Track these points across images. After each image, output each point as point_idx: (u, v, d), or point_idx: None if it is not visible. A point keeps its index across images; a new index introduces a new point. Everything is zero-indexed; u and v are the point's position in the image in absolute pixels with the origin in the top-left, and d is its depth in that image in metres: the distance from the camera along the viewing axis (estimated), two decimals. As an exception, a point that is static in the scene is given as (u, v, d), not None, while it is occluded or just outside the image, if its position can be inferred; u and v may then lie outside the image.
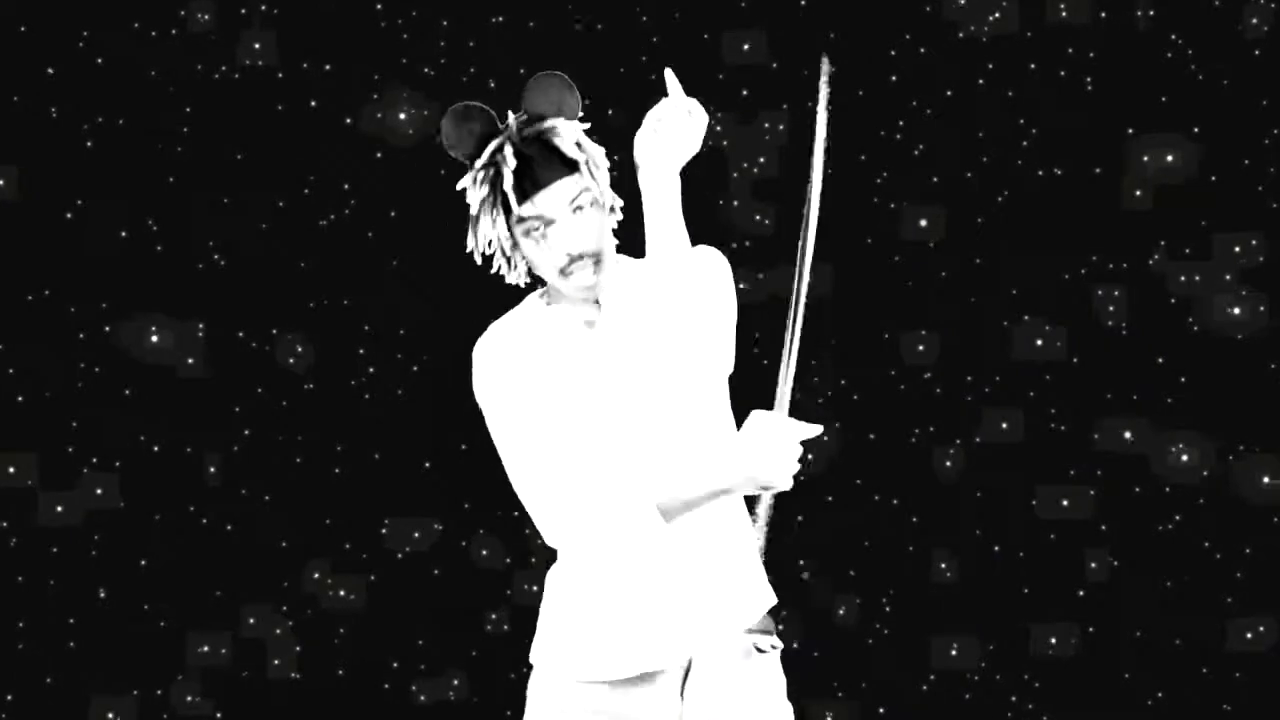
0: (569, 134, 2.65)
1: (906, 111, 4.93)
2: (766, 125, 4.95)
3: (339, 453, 5.00)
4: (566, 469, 2.61)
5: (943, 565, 4.98)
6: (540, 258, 2.65)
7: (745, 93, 4.96)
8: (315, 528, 4.99)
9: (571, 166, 2.64)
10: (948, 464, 4.98)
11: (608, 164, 2.71)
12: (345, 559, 4.98)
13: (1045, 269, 4.98)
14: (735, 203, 4.98)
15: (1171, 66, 4.92)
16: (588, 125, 2.70)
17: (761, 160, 4.95)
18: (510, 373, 2.67)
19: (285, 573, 5.00)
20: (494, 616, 5.02)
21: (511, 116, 2.65)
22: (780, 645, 2.78)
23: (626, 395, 2.65)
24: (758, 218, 4.97)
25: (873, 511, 5.00)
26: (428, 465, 5.01)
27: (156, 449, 4.95)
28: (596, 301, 2.71)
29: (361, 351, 5.01)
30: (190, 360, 4.94)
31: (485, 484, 4.73)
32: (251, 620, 4.98)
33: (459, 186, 2.67)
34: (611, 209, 2.71)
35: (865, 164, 4.97)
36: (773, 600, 2.76)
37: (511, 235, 2.65)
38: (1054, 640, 4.94)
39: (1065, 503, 4.94)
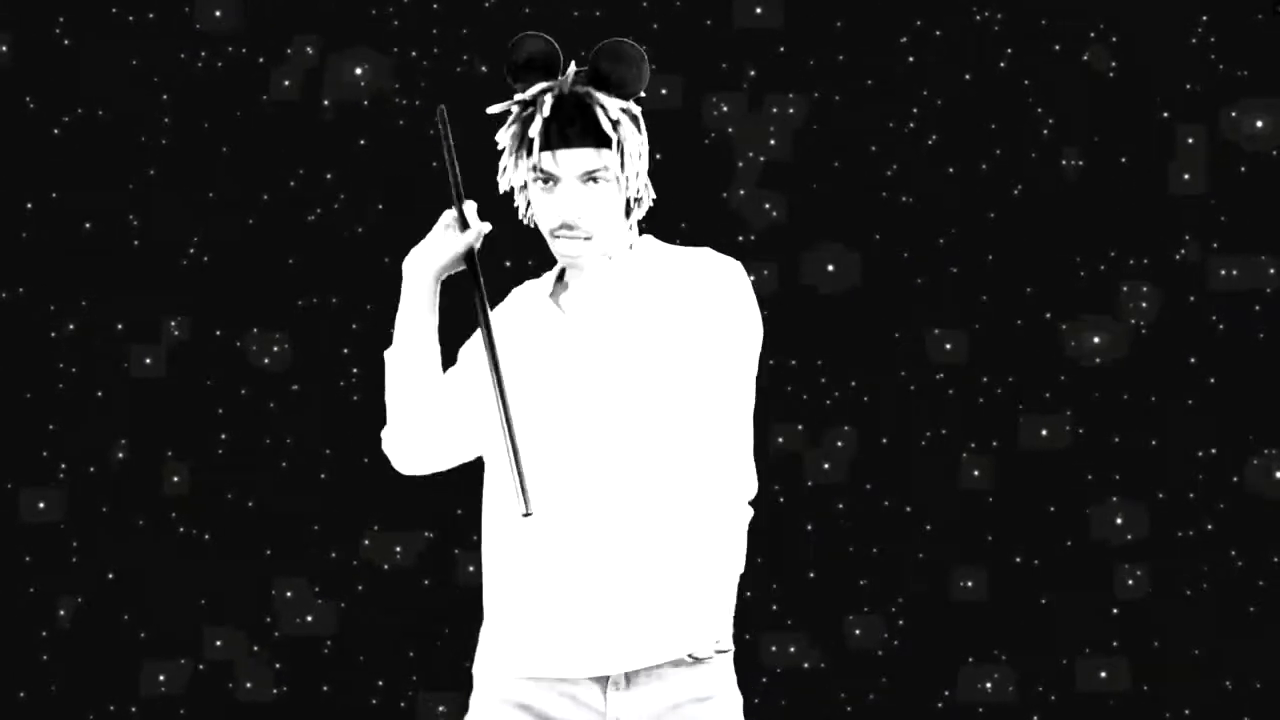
0: (611, 108, 2.73)
1: (920, 100, 4.97)
2: (775, 110, 4.98)
3: (320, 460, 5.02)
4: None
5: (969, 583, 4.98)
6: (540, 212, 2.76)
7: (752, 73, 4.99)
8: (292, 540, 5.01)
9: (601, 140, 2.72)
10: (976, 473, 4.97)
11: (644, 151, 2.77)
12: (324, 573, 5.00)
13: (1089, 262, 4.99)
14: (741, 192, 4.99)
15: (1197, 51, 4.96)
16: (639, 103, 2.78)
17: (773, 142, 4.99)
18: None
19: (257, 590, 5.00)
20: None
21: (573, 67, 2.74)
22: (726, 648, 2.74)
23: (571, 385, 2.72)
24: (766, 206, 4.99)
25: (891, 523, 5.01)
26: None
27: (121, 455, 4.97)
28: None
29: (346, 351, 5.02)
30: (148, 360, 4.98)
31: (475, 492, 4.67)
32: (219, 643, 4.98)
33: (491, 110, 2.78)
34: (635, 200, 2.79)
35: (876, 154, 4.98)
36: (725, 643, 2.77)
37: (525, 180, 2.77)
38: (1103, 674, 4.96)
39: (1119, 520, 4.94)
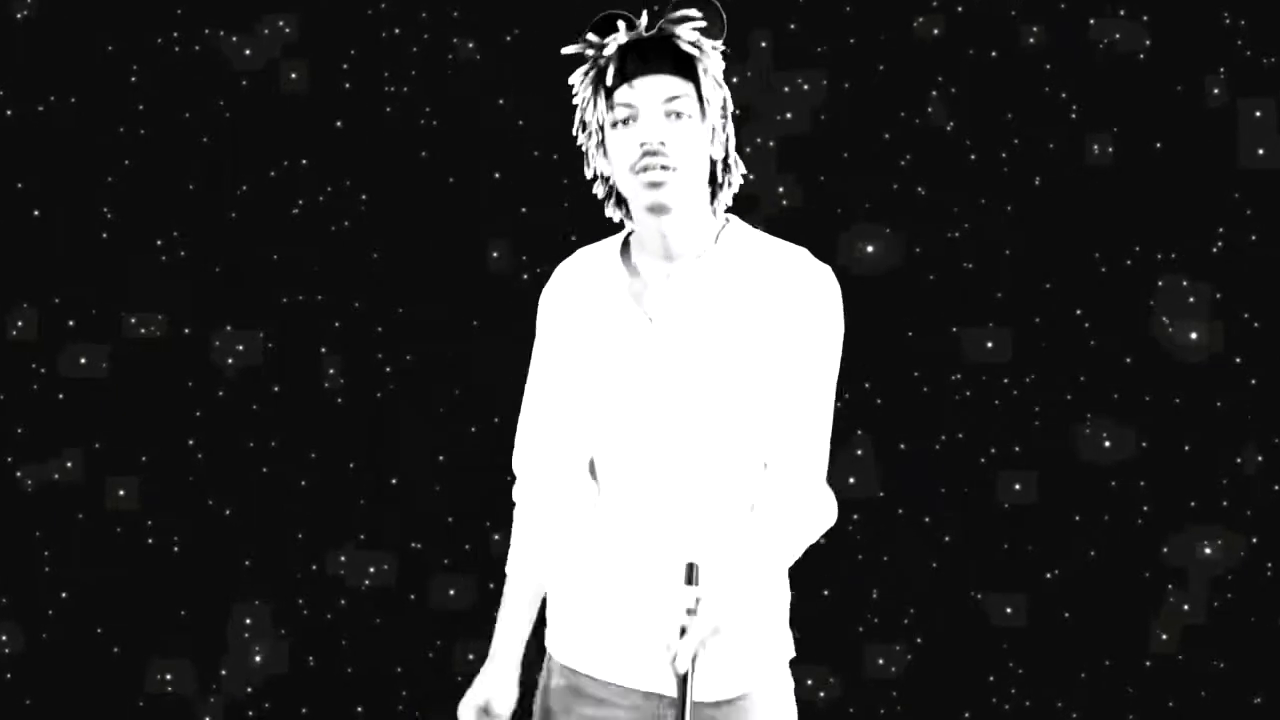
0: (690, 34, 2.69)
1: (934, 86, 5.01)
2: (787, 90, 5.03)
3: (298, 467, 5.07)
4: (531, 416, 2.84)
5: (1008, 609, 5.02)
6: (619, 153, 2.68)
7: (763, 44, 5.03)
8: (261, 556, 5.05)
9: (683, 68, 2.68)
10: (1016, 487, 4.98)
11: (727, 100, 2.74)
12: (294, 594, 5.04)
13: (1121, 256, 4.99)
14: (752, 176, 4.83)
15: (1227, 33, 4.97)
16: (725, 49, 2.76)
17: (789, 116, 5.02)
18: (548, 312, 2.82)
19: (220, 611, 5.04)
20: (470, 658, 5.03)
21: (645, 17, 2.73)
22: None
23: (659, 399, 2.73)
24: (780, 190, 5.05)
25: (919, 544, 5.05)
26: (394, 482, 5.06)
27: (70, 464, 5.04)
28: (668, 258, 2.75)
29: (323, 350, 5.06)
30: (102, 363, 5.02)
31: (463, 501, 5.01)
32: (168, 675, 5.02)
33: (567, 50, 2.73)
34: (722, 165, 2.75)
35: (889, 144, 5.01)
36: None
37: (603, 129, 2.71)
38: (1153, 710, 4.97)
39: (1207, 550, 4.93)
